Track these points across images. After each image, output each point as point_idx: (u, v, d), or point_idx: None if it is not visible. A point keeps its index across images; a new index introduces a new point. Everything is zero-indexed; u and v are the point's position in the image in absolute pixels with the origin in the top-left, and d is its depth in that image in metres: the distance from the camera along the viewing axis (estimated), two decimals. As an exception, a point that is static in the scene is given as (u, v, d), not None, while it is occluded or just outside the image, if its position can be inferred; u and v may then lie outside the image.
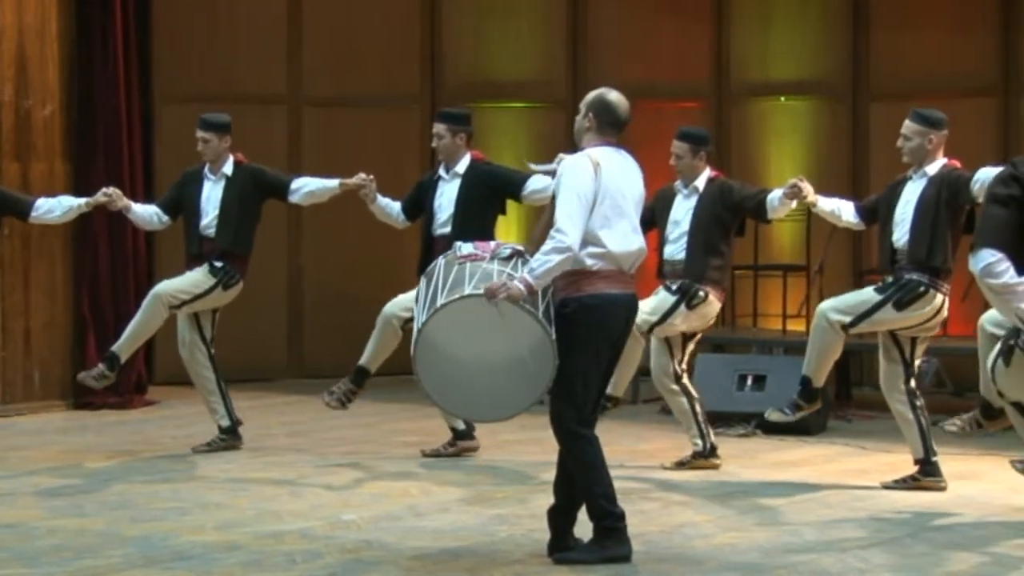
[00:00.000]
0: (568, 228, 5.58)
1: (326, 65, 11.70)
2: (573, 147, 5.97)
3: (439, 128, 8.09)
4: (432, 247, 7.90)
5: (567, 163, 5.75)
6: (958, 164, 7.24)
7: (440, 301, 5.66)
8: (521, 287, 5.53)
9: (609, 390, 7.69)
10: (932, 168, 7.19)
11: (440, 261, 5.96)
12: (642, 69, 11.43)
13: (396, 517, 6.62)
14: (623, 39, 11.73)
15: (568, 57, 11.88)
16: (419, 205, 8.21)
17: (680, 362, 7.88)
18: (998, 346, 4.37)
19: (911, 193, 7.24)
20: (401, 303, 7.94)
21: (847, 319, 7.16)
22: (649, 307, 7.62)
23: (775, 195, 7.58)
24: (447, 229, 7.93)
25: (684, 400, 7.85)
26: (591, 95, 5.88)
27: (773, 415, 7.38)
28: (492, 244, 5.96)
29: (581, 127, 5.86)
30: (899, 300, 7.14)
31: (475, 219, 7.87)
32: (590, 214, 5.63)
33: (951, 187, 7.10)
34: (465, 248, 5.92)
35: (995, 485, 7.34)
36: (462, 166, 8.05)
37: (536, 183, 7.86)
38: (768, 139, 11.62)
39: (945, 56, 10.86)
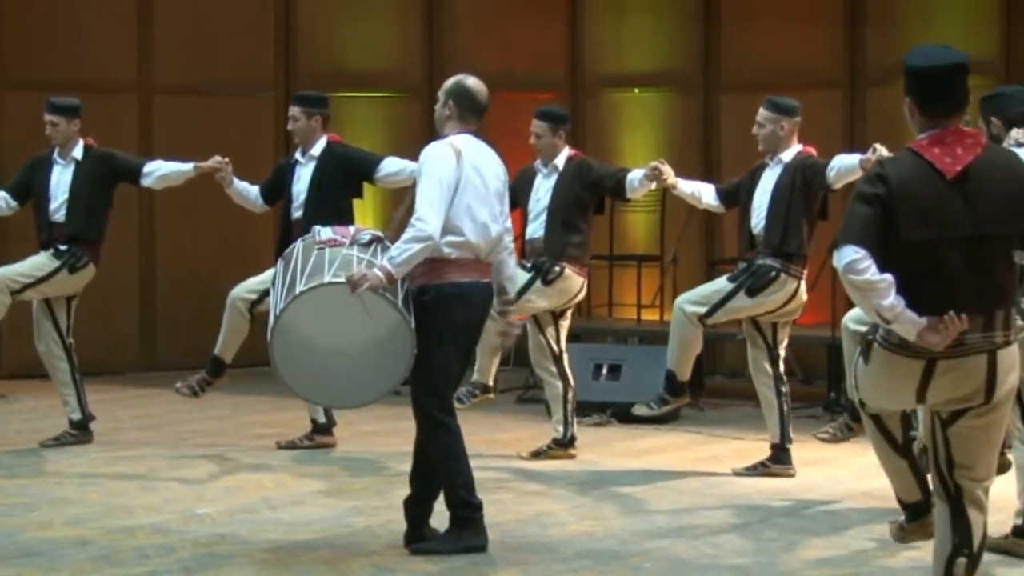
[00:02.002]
0: (429, 216, 5.58)
1: (177, 52, 11.51)
2: (431, 136, 5.95)
3: (294, 111, 8.05)
4: (289, 231, 7.84)
5: (429, 150, 5.74)
6: (813, 151, 7.39)
7: (299, 288, 5.63)
8: (381, 275, 5.52)
9: (478, 378, 7.74)
10: (787, 155, 7.34)
11: (298, 245, 5.92)
12: (497, 60, 11.45)
13: (251, 510, 6.55)
14: (478, 29, 11.74)
15: (423, 47, 11.86)
16: (277, 188, 8.15)
17: (556, 340, 7.90)
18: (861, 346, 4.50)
19: (768, 180, 7.37)
20: (247, 286, 7.88)
21: (702, 310, 7.26)
22: None
23: (635, 175, 7.66)
24: (299, 214, 7.89)
25: (559, 385, 7.88)
26: (449, 82, 5.89)
27: (640, 409, 7.46)
28: (351, 229, 5.94)
29: (441, 115, 5.86)
30: (751, 287, 7.26)
31: (330, 202, 7.82)
32: (451, 202, 5.64)
33: (805, 173, 7.24)
34: (324, 233, 5.88)
35: (842, 471, 7.50)
36: (318, 149, 8.01)
37: (390, 166, 7.86)
38: (622, 130, 11.72)
39: (794, 49, 11.06)
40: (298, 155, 8.07)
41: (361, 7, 11.85)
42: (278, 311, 5.66)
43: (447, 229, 5.64)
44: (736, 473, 7.42)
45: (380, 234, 5.91)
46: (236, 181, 8.11)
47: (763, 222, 7.30)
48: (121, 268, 11.05)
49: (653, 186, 7.69)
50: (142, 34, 11.47)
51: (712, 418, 9.42)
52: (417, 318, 5.63)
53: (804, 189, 7.24)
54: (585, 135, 11.69)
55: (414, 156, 5.93)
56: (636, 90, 11.75)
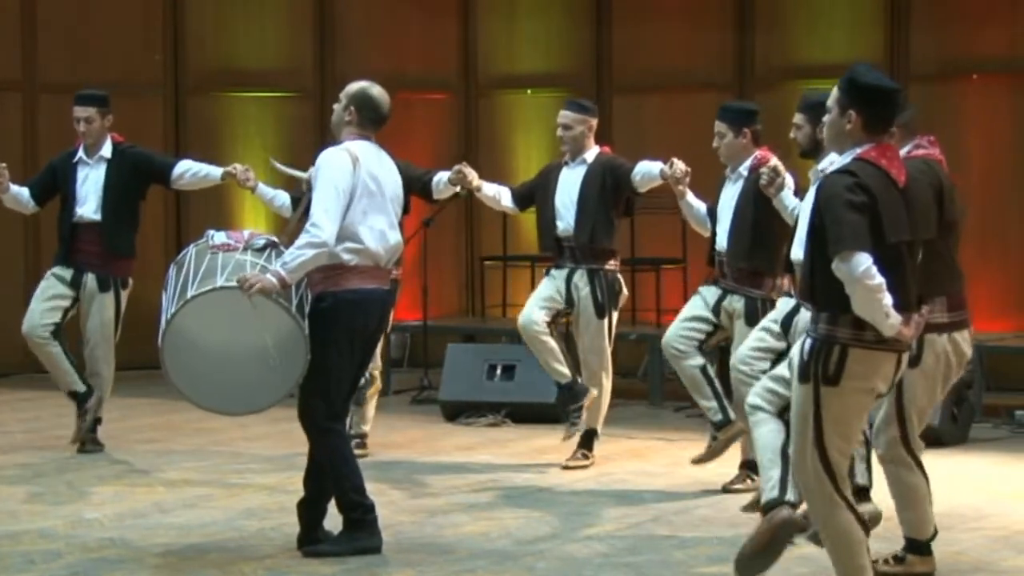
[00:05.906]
0: (324, 223, 5.55)
1: (63, 50, 11.32)
2: (323, 135, 5.92)
3: (90, 112, 7.95)
4: (76, 234, 7.84)
5: (326, 156, 5.70)
6: (609, 150, 7.61)
7: (190, 292, 5.58)
8: (274, 280, 5.49)
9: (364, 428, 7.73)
10: (590, 155, 7.52)
11: (191, 249, 5.87)
12: (389, 60, 11.42)
13: (141, 514, 6.48)
14: (370, 29, 11.70)
15: (315, 46, 11.78)
16: (51, 189, 8.05)
17: None
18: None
19: (570, 180, 7.54)
20: (39, 318, 7.97)
21: (606, 365, 7.55)
22: None
23: (440, 178, 7.67)
24: (97, 216, 7.84)
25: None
26: (353, 87, 5.84)
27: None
28: (245, 234, 5.90)
29: (340, 119, 5.82)
30: (603, 305, 7.46)
31: (123, 204, 7.85)
32: (347, 209, 5.61)
33: (614, 173, 7.42)
34: (218, 237, 5.84)
35: (733, 469, 7.58)
36: (107, 149, 7.96)
37: (182, 167, 7.84)
38: (515, 131, 11.74)
39: (683, 52, 11.15)
40: (82, 155, 7.97)
41: (251, 6, 11.75)
42: (169, 315, 5.61)
43: (345, 236, 5.62)
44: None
45: (275, 239, 5.87)
46: (11, 187, 7.93)
47: (572, 222, 7.46)
48: (6, 268, 10.85)
49: (458, 189, 7.70)
50: (26, 31, 11.27)
51: (605, 417, 9.45)
52: (315, 324, 5.60)
53: (614, 188, 7.41)
54: (478, 136, 11.70)
55: (306, 155, 5.90)
56: (529, 91, 11.79)
